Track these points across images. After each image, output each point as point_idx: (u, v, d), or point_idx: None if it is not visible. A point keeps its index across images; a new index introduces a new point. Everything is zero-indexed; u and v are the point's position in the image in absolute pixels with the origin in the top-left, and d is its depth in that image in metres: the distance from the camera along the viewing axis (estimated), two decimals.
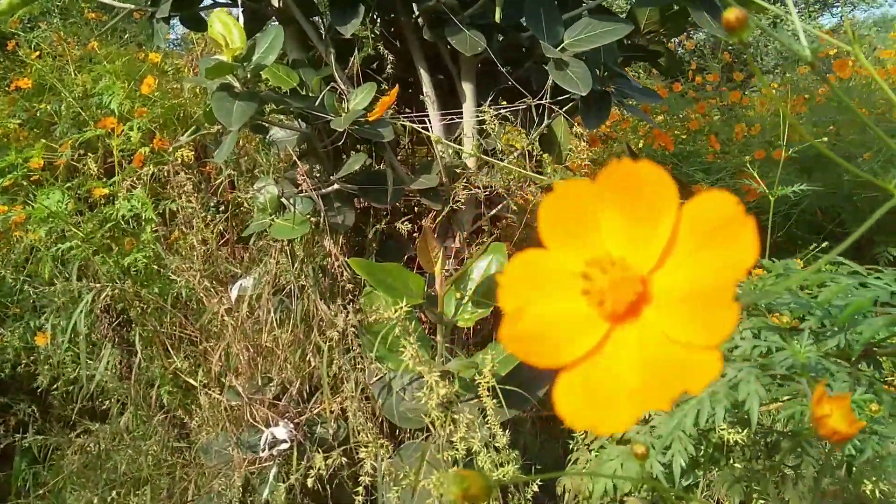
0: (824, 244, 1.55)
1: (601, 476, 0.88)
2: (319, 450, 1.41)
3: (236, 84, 1.38)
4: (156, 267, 1.68)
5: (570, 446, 1.24)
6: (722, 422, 0.85)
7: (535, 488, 1.19)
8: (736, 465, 0.93)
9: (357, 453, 1.39)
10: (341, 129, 1.41)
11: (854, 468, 0.72)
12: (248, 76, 1.41)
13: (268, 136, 1.57)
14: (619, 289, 0.33)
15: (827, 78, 0.55)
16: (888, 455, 0.54)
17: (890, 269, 0.67)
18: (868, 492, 0.70)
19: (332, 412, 1.47)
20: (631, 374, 0.32)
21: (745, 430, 0.93)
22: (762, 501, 0.91)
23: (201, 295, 1.55)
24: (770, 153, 2.43)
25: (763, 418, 0.93)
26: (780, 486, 0.89)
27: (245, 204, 1.64)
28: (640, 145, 2.71)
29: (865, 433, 0.64)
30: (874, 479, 0.67)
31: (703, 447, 0.97)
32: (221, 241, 1.78)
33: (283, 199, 1.53)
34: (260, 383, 1.58)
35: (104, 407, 1.65)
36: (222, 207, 1.69)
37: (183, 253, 1.64)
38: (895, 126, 2.54)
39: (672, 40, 1.95)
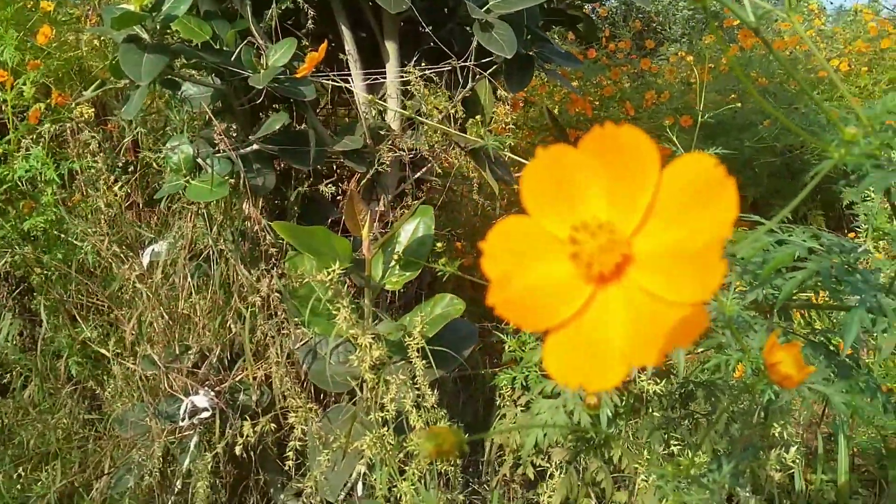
0: None
1: (534, 427, 0.92)
2: (246, 417, 1.38)
3: (145, 35, 1.29)
4: (57, 232, 1.57)
5: (497, 403, 1.28)
6: (643, 373, 0.90)
7: (465, 447, 1.22)
8: (655, 414, 0.99)
9: (283, 419, 1.37)
10: (260, 87, 1.36)
11: (767, 413, 0.78)
12: (158, 27, 1.32)
13: (180, 93, 1.48)
14: (606, 251, 0.34)
15: (768, 42, 0.57)
16: (802, 400, 0.60)
17: (801, 226, 0.73)
18: (776, 434, 0.77)
19: (255, 379, 1.44)
20: (619, 332, 0.33)
21: (664, 381, 0.99)
22: (678, 446, 0.98)
23: (110, 261, 1.46)
24: (678, 120, 2.54)
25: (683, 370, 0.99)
26: (695, 432, 0.96)
27: (155, 164, 1.55)
28: (557, 111, 2.76)
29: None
30: (783, 422, 0.74)
31: (624, 398, 1.03)
32: (128, 204, 1.68)
33: (198, 160, 1.46)
34: (177, 351, 1.52)
35: (5, 381, 1.54)
36: (131, 168, 1.59)
37: (87, 217, 1.54)
38: (792, 94, 2.72)
39: (587, 6, 1.99)
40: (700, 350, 0.93)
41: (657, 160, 0.34)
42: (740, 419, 0.85)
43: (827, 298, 0.71)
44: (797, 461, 0.87)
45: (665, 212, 0.34)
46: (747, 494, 0.93)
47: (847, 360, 0.70)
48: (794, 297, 0.75)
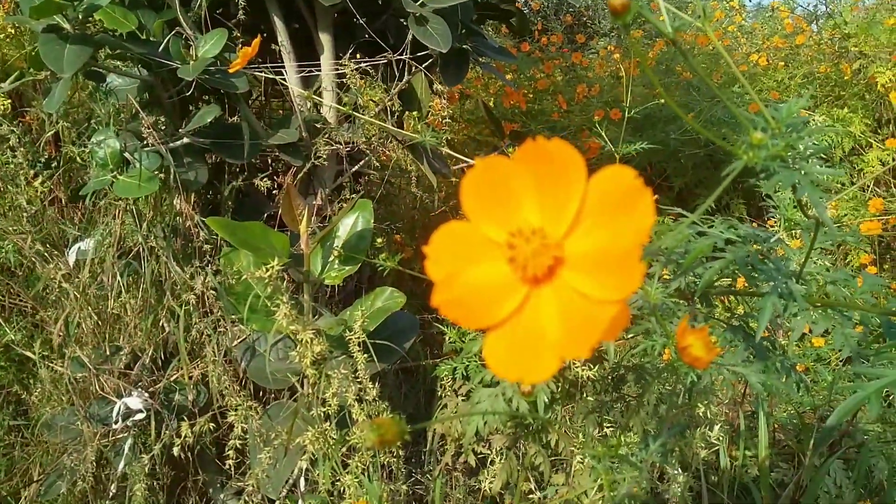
0: (654, 197, 1.72)
1: (475, 415, 0.94)
2: (182, 417, 1.35)
3: (66, 25, 1.24)
4: None
5: (439, 394, 1.29)
6: (577, 360, 0.94)
7: (407, 436, 1.24)
8: (589, 398, 1.03)
9: (221, 418, 1.35)
10: (189, 79, 1.32)
11: (691, 394, 0.82)
12: (80, 17, 1.27)
13: (104, 85, 1.43)
14: (539, 255, 0.37)
15: (680, 48, 0.60)
16: (723, 381, 0.63)
17: (720, 217, 0.77)
18: (700, 413, 0.82)
19: (191, 378, 1.41)
20: (552, 328, 0.36)
21: (597, 367, 1.03)
22: (611, 429, 1.03)
23: (33, 260, 1.40)
24: (608, 113, 2.62)
25: (615, 356, 1.03)
26: (626, 414, 1.01)
27: (80, 159, 1.49)
28: (492, 103, 2.79)
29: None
30: (706, 402, 0.78)
31: (560, 384, 1.06)
32: (50, 200, 1.61)
33: (126, 154, 1.41)
34: (108, 352, 1.48)
35: None
36: (54, 163, 1.52)
37: (7, 214, 1.46)
38: (715, 88, 2.83)
39: (519, 0, 2.02)
40: (630, 336, 0.97)
41: (583, 171, 0.37)
42: (667, 400, 0.89)
43: (746, 285, 0.75)
44: (721, 438, 0.93)
45: (591, 218, 0.37)
46: (676, 472, 0.98)
47: (764, 342, 0.74)
48: (716, 285, 0.79)
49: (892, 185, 2.91)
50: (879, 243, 2.71)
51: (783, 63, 3.57)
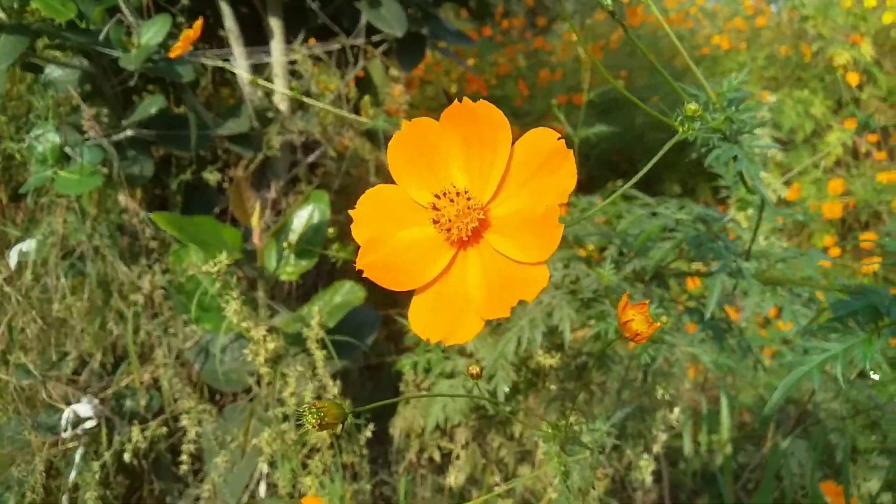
0: (620, 181, 1.70)
1: (436, 404, 0.91)
2: (135, 422, 1.30)
3: (1, 15, 1.18)
4: None
5: (401, 390, 1.26)
6: (539, 347, 0.91)
7: (369, 433, 1.20)
8: (551, 386, 1.00)
9: (175, 423, 1.30)
10: (132, 68, 1.26)
11: (649, 376, 0.80)
12: (15, 6, 1.21)
13: (43, 76, 1.36)
14: (464, 217, 0.37)
15: (623, 24, 0.58)
16: (675, 362, 0.61)
17: (675, 199, 0.74)
18: (659, 396, 0.80)
19: (142, 383, 1.36)
20: (476, 290, 0.36)
21: (559, 355, 1.01)
22: (574, 417, 1.00)
23: None
24: (571, 98, 2.59)
25: (577, 344, 1.01)
26: (589, 401, 0.98)
27: (19, 155, 1.42)
28: (454, 90, 2.75)
29: (657, 343, 0.72)
30: (665, 384, 0.77)
31: (522, 373, 1.03)
32: None
33: (66, 149, 1.34)
34: (54, 358, 1.41)
35: None
36: None
37: None
38: (679, 71, 2.84)
39: None
40: (592, 321, 0.94)
41: (508, 133, 0.36)
42: (629, 385, 0.87)
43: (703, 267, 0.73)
44: (681, 421, 0.91)
45: (516, 180, 0.36)
46: (642, 456, 0.96)
47: (721, 323, 0.72)
48: (671, 267, 0.77)
49: (853, 167, 2.95)
50: (842, 224, 2.74)
51: (745, 45, 3.59)
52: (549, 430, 0.64)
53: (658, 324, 0.41)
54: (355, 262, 0.42)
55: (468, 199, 0.37)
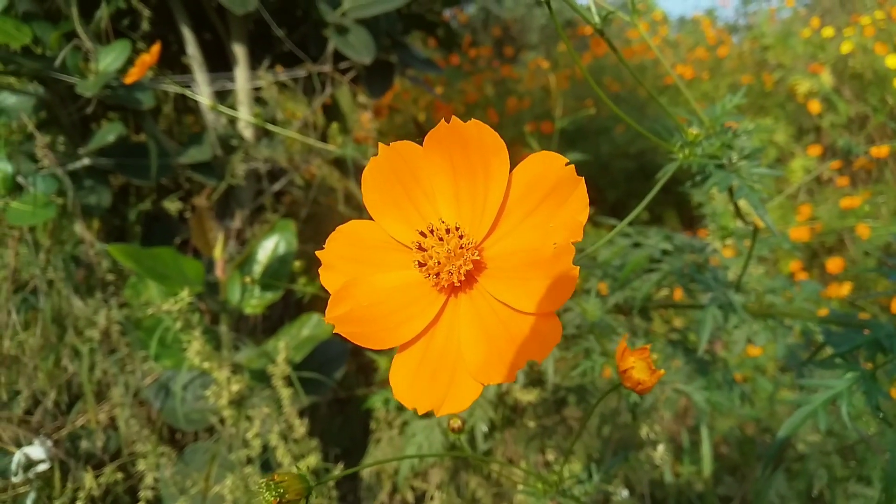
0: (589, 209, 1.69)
1: (408, 453, 0.86)
2: (88, 466, 1.22)
3: None
4: None
5: (371, 426, 1.21)
6: (516, 383, 0.88)
7: (338, 473, 1.15)
8: (530, 423, 0.97)
9: (133, 466, 1.23)
10: (89, 95, 1.22)
11: (636, 416, 0.77)
12: None
13: None
14: (455, 259, 0.30)
15: (611, 43, 0.56)
16: (666, 400, 0.58)
17: (654, 228, 0.72)
18: (643, 434, 0.77)
19: (98, 423, 1.28)
20: (470, 347, 0.29)
21: (537, 390, 0.97)
22: (554, 455, 0.97)
23: None
24: (539, 126, 2.60)
25: (555, 378, 0.98)
26: (568, 437, 0.95)
27: None
28: (423, 118, 2.74)
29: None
30: (649, 422, 0.74)
31: (499, 410, 1.00)
32: None
33: (18, 178, 1.28)
34: (5, 397, 1.33)
35: None
36: None
37: None
38: (642, 100, 2.88)
39: (446, 12, 1.97)
40: (571, 356, 0.91)
41: (505, 156, 0.31)
42: (610, 421, 0.84)
43: (686, 297, 0.71)
44: (664, 458, 0.88)
45: (515, 213, 0.31)
46: (622, 496, 0.93)
47: (705, 355, 0.70)
48: (654, 298, 0.75)
49: (816, 192, 3.01)
50: (806, 250, 2.78)
51: (708, 75, 3.67)
52: (530, 476, 0.60)
53: (661, 372, 0.38)
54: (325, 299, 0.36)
55: (460, 236, 0.31)
